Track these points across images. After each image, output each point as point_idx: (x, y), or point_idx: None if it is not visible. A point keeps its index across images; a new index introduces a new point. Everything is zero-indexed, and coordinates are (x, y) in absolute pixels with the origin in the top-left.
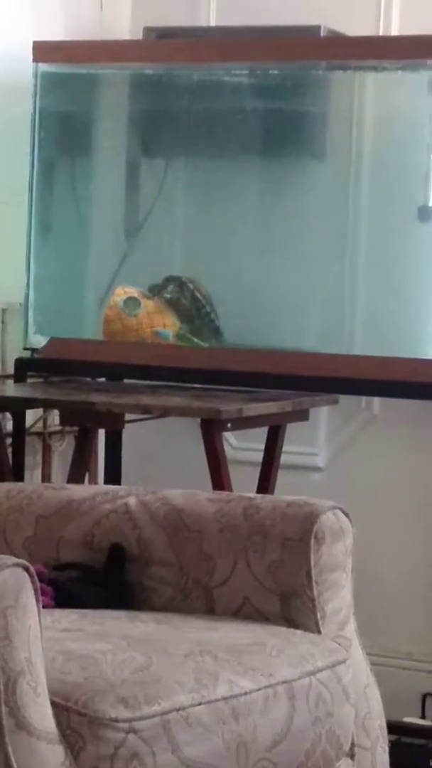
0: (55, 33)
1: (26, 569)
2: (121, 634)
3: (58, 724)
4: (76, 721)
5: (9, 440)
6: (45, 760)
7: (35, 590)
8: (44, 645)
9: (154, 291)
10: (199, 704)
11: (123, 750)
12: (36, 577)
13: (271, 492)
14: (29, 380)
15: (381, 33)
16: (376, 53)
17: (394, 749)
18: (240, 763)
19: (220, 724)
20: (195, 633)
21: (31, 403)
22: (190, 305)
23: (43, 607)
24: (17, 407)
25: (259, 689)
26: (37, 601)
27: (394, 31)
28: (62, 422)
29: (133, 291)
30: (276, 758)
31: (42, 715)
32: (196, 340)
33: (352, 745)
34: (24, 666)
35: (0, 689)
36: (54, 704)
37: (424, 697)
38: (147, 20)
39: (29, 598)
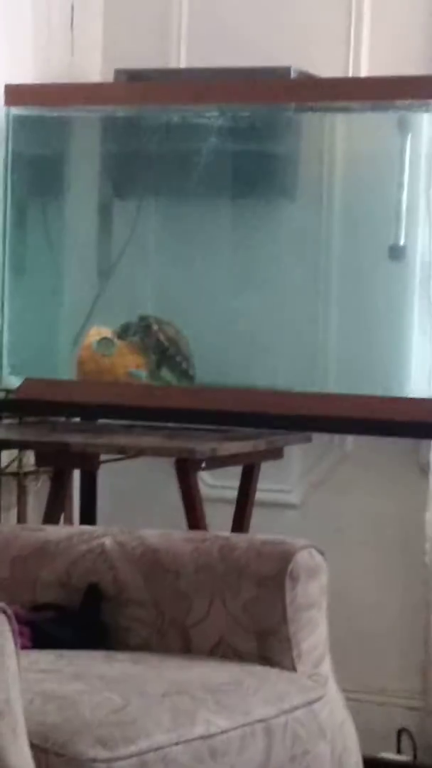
0: (27, 76)
1: (4, 612)
2: (98, 675)
3: (37, 765)
4: (54, 762)
5: None
6: None
7: (13, 632)
8: (22, 686)
9: (124, 332)
10: (177, 744)
11: None
12: (14, 619)
13: (246, 530)
14: (4, 421)
15: (350, 74)
16: (346, 94)
17: None
18: None
19: (198, 763)
20: (171, 672)
21: (7, 444)
22: (155, 347)
23: (21, 648)
24: None
25: (236, 728)
26: (16, 643)
27: (364, 72)
28: (38, 464)
29: (107, 331)
30: None
31: (21, 757)
32: (166, 380)
33: None
34: (3, 707)
35: None
36: (33, 745)
37: (399, 732)
38: (118, 62)
39: (7, 641)
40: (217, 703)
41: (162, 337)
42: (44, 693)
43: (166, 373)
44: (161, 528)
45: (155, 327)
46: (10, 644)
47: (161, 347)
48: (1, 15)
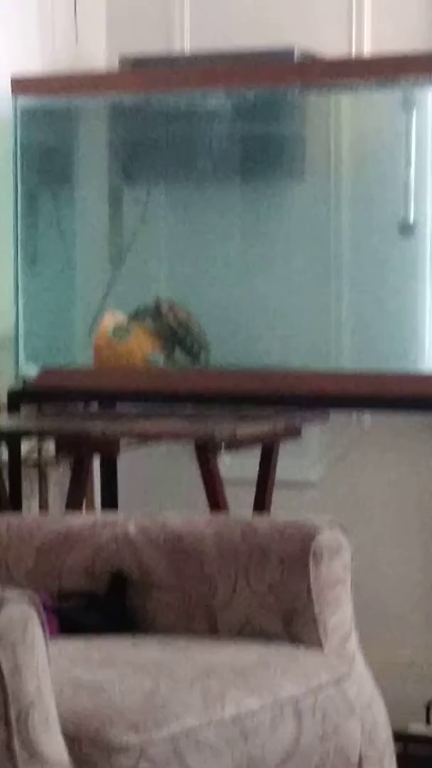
0: (32, 66)
1: (32, 602)
2: (126, 660)
3: (71, 753)
4: (87, 749)
5: (5, 471)
6: None
7: (42, 622)
8: (52, 675)
9: (136, 316)
10: (208, 726)
11: None
12: (42, 609)
13: (268, 510)
14: (22, 410)
15: (354, 53)
16: (350, 74)
17: (401, 758)
18: None
19: (229, 744)
20: (199, 655)
21: (27, 433)
22: (166, 330)
23: (49, 636)
24: (12, 438)
25: (266, 708)
26: (44, 632)
27: (367, 50)
28: (58, 451)
29: (121, 316)
30: None
31: (54, 745)
32: (180, 363)
33: (360, 758)
34: (34, 698)
35: (12, 721)
36: (65, 733)
37: (428, 704)
38: (122, 49)
39: (36, 631)
40: (246, 684)
41: (171, 320)
42: (74, 680)
43: (179, 356)
44: (182, 512)
45: (165, 309)
46: (39, 633)
47: (171, 330)
48: (5, 6)
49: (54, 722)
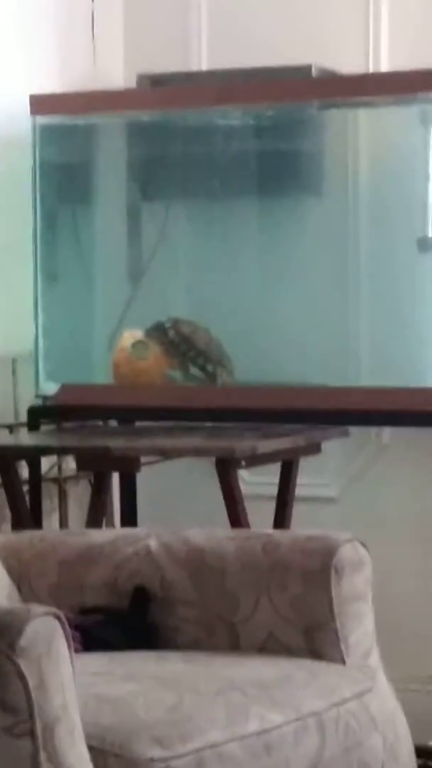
0: (51, 85)
1: (57, 617)
2: (150, 675)
3: (96, 767)
4: (112, 763)
5: (25, 487)
6: None
7: (66, 637)
8: (76, 690)
9: (149, 333)
10: (232, 740)
11: None
12: (67, 624)
13: (288, 526)
14: (42, 427)
15: (371, 69)
16: (368, 90)
17: None
18: None
19: (254, 759)
20: (222, 670)
21: (48, 450)
22: (170, 347)
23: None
24: (34, 455)
25: (289, 722)
26: (69, 647)
27: (384, 66)
28: (79, 468)
29: (139, 334)
30: None
31: (80, 760)
32: (194, 379)
33: None
34: (60, 712)
35: (38, 735)
36: (90, 748)
37: None
38: (140, 67)
39: (61, 646)
40: (269, 698)
41: (173, 336)
42: (98, 695)
43: (196, 372)
44: (202, 527)
45: (168, 325)
46: (64, 649)
47: (174, 345)
48: (24, 26)
49: (79, 736)
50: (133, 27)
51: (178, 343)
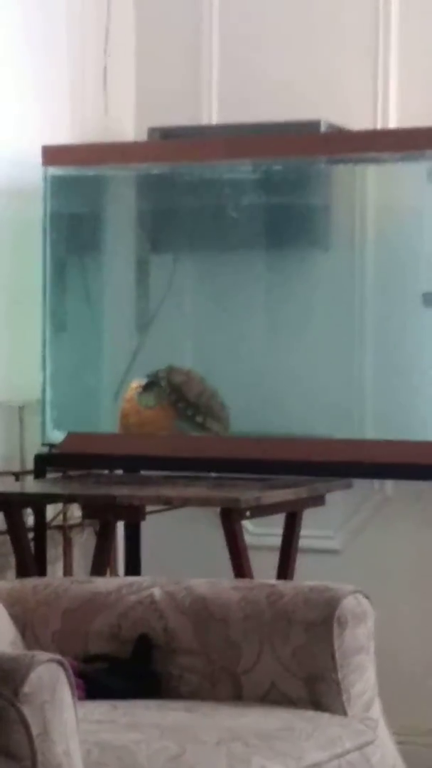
0: (63, 136)
1: (61, 664)
2: (152, 724)
3: None
4: None
5: (30, 535)
6: None
7: (70, 684)
8: (79, 737)
9: (147, 386)
10: None
11: None
12: (71, 672)
13: (291, 577)
14: (48, 475)
15: (379, 125)
16: (376, 146)
17: None
18: None
19: None
20: (225, 720)
21: (53, 498)
22: (165, 400)
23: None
24: (39, 503)
25: None
26: (73, 695)
27: (392, 123)
28: (85, 516)
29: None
30: None
31: None
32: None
33: None
34: (62, 759)
35: None
36: None
37: None
38: (151, 120)
39: (65, 693)
40: (270, 749)
41: (165, 386)
42: (101, 743)
43: (181, 424)
44: (205, 577)
45: (161, 375)
46: (68, 696)
47: (164, 396)
48: (37, 77)
49: None
50: (144, 80)
51: (169, 393)
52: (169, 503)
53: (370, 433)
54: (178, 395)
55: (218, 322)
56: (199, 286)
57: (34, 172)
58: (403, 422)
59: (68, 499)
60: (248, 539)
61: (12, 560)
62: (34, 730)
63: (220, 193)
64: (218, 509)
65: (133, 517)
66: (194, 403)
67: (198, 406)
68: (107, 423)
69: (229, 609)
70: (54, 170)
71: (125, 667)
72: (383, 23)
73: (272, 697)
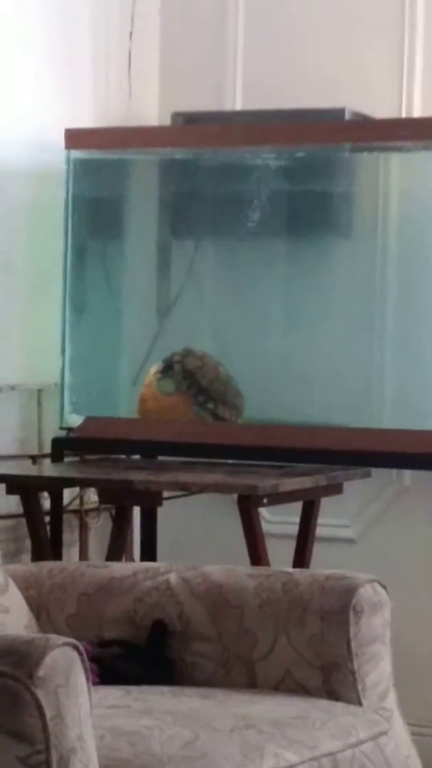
0: (86, 120)
1: (76, 648)
2: (166, 710)
3: None
4: None
5: (46, 518)
6: None
7: (85, 669)
8: (93, 722)
9: (163, 372)
10: None
11: None
12: (85, 656)
13: (308, 565)
14: (65, 459)
15: (403, 113)
16: (400, 134)
17: None
18: None
19: None
20: (239, 707)
21: (70, 482)
22: (179, 386)
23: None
24: (56, 487)
25: (304, 762)
26: (87, 679)
27: (416, 111)
28: (101, 501)
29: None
30: None
31: None
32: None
33: None
34: (75, 744)
35: (53, 767)
36: None
37: None
38: (174, 106)
39: (79, 677)
40: (284, 737)
41: (178, 371)
42: (114, 729)
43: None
44: (221, 564)
45: (176, 359)
46: (82, 680)
47: (178, 381)
48: (62, 62)
49: None
50: (169, 65)
51: (181, 379)
52: (187, 489)
53: (389, 422)
54: (191, 381)
55: (239, 308)
56: (220, 272)
57: (56, 156)
58: (423, 412)
59: (85, 484)
60: (265, 527)
61: (28, 544)
62: (48, 714)
63: (242, 180)
64: (235, 496)
65: (150, 503)
66: (206, 388)
67: (210, 392)
68: (125, 408)
69: (244, 596)
70: (77, 154)
71: (140, 653)
72: (409, 12)
73: (287, 685)
